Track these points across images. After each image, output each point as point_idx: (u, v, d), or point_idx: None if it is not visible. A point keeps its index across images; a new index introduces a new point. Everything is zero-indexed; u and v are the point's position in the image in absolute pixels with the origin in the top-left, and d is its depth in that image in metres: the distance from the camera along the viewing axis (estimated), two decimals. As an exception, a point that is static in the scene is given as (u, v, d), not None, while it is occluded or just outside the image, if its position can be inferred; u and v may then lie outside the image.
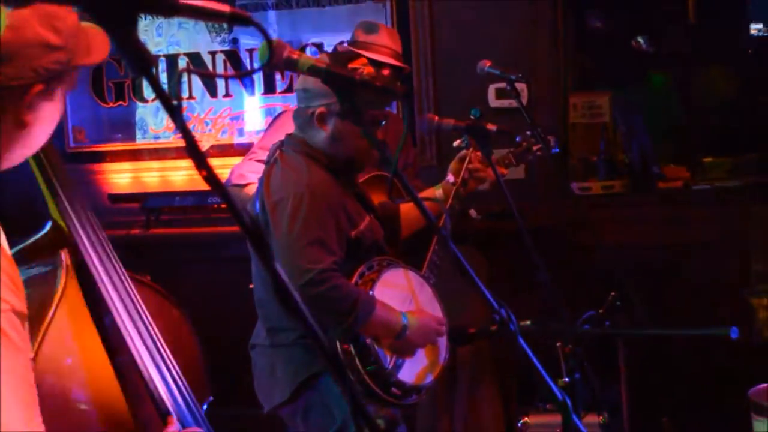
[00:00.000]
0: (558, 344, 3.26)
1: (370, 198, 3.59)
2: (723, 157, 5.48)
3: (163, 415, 2.22)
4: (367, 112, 3.12)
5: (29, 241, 2.35)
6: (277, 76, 5.59)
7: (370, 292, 3.31)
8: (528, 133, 3.98)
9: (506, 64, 3.99)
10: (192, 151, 1.33)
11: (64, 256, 2.28)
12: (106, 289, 2.25)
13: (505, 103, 5.04)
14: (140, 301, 2.29)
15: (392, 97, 2.99)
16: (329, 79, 2.42)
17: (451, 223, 3.62)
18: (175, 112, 1.33)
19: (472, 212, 5.08)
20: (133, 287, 2.31)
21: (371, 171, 3.85)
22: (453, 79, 5.23)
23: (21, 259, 2.28)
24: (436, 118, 3.69)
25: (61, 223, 2.32)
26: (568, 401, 2.29)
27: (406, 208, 3.76)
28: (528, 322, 3.08)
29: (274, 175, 3.38)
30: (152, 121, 5.74)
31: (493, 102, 5.16)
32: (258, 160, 4.11)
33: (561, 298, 3.26)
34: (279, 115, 4.58)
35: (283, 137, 3.51)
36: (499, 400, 4.68)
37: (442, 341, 3.49)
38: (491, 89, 5.15)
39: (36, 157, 2.29)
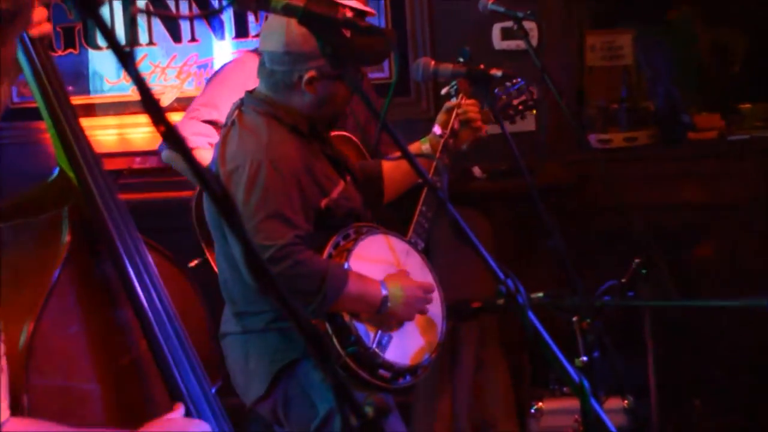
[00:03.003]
0: (574, 319, 3.27)
1: (347, 159, 3.57)
2: (763, 102, 5.47)
3: (173, 396, 2.23)
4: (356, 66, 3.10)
5: (32, 189, 2.33)
6: (251, 18, 5.57)
7: (345, 264, 3.31)
8: (507, 84, 3.90)
9: (513, -1, 3.97)
10: (147, 103, 1.33)
11: (70, 212, 2.26)
12: (120, 253, 2.24)
13: (512, 44, 5.03)
14: (156, 270, 2.29)
15: (379, 39, 2.97)
16: (307, 20, 2.41)
17: (448, 181, 3.61)
18: (126, 60, 1.32)
19: (476, 170, 5.08)
20: (147, 253, 2.31)
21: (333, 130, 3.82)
22: (451, 18, 5.21)
23: (20, 209, 2.27)
24: (433, 62, 3.67)
25: (70, 173, 2.30)
26: (586, 384, 2.29)
27: (390, 166, 3.72)
28: (540, 295, 3.09)
29: (230, 140, 3.37)
30: (108, 71, 5.72)
31: (499, 44, 5.15)
32: (204, 120, 4.06)
33: (577, 267, 3.27)
34: (224, 66, 4.42)
35: (228, 92, 3.48)
36: (508, 383, 4.70)
37: (438, 316, 3.49)
38: (496, 29, 5.14)
39: (44, 95, 2.28)
